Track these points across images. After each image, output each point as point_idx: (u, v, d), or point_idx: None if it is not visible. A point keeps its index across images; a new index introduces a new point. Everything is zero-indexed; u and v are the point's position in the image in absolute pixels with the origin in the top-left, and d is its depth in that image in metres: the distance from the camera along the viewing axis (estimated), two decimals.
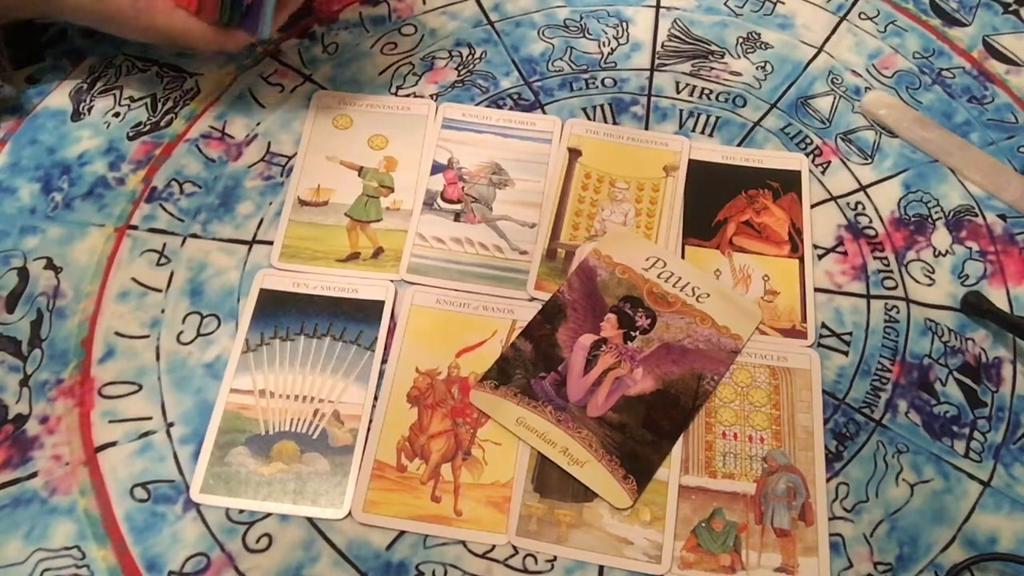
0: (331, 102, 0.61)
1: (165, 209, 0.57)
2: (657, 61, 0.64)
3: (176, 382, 0.51)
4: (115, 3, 0.54)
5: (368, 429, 0.49)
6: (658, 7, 0.66)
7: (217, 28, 0.55)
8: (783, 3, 0.67)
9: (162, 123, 0.60)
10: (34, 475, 0.48)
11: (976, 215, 0.58)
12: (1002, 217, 0.57)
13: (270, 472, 0.48)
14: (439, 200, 0.57)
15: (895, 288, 0.55)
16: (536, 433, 0.49)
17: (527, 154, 0.59)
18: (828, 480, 0.48)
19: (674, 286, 0.54)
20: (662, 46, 0.64)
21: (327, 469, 0.48)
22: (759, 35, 0.65)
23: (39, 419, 0.50)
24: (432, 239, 0.56)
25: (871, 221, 0.57)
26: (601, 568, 0.46)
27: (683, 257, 0.55)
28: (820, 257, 0.56)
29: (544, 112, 0.61)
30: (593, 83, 0.63)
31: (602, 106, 0.61)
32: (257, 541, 0.47)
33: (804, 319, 0.53)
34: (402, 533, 0.47)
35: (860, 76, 0.63)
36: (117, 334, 0.52)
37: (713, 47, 0.65)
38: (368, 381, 0.51)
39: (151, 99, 0.61)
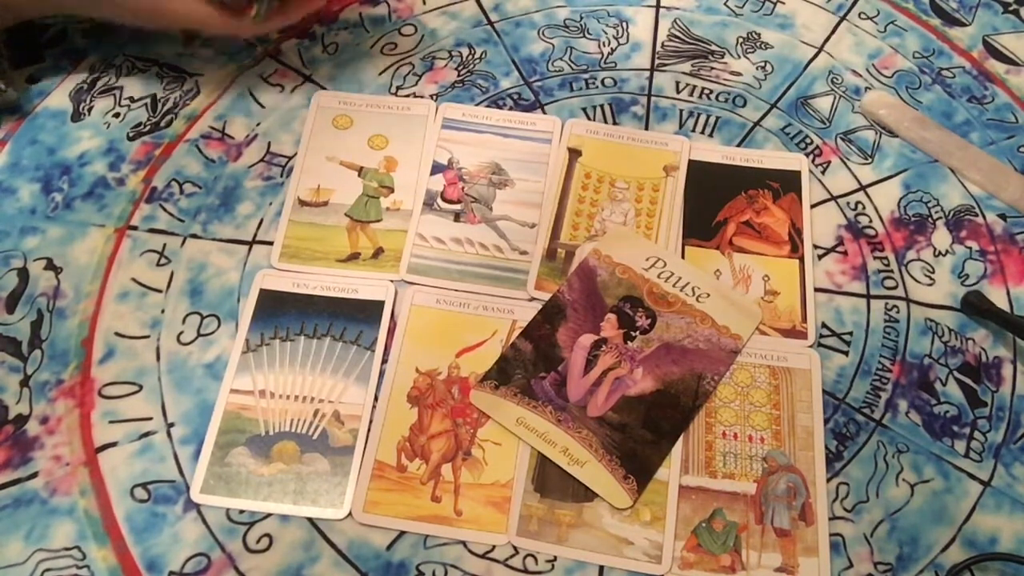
0: (331, 102, 0.61)
1: (165, 209, 0.57)
2: (657, 61, 0.64)
3: (176, 382, 0.51)
4: None
5: (368, 429, 0.49)
6: (658, 7, 0.66)
7: (226, 10, 0.55)
8: (783, 3, 0.67)
9: (162, 123, 0.60)
10: (34, 475, 0.48)
11: (976, 215, 0.58)
12: (1002, 217, 0.58)
13: (270, 472, 0.48)
14: (439, 200, 0.57)
15: (895, 288, 0.55)
16: (536, 433, 0.49)
17: (527, 154, 0.59)
18: (828, 480, 0.48)
19: (674, 286, 0.54)
20: (662, 46, 0.64)
21: (327, 469, 0.48)
22: (759, 35, 0.65)
23: (39, 419, 0.50)
24: (432, 239, 0.56)
25: (871, 221, 0.57)
26: (601, 568, 0.46)
27: (683, 257, 0.55)
28: (820, 257, 0.56)
29: (544, 112, 0.61)
30: (593, 83, 0.63)
31: (602, 106, 0.61)
32: (257, 541, 0.47)
33: (804, 319, 0.53)
34: (402, 533, 0.47)
35: (860, 76, 0.63)
36: (117, 334, 0.52)
37: (713, 47, 0.65)
38: (368, 381, 0.51)
39: (151, 99, 0.61)
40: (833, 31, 0.66)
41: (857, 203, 0.58)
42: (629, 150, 0.59)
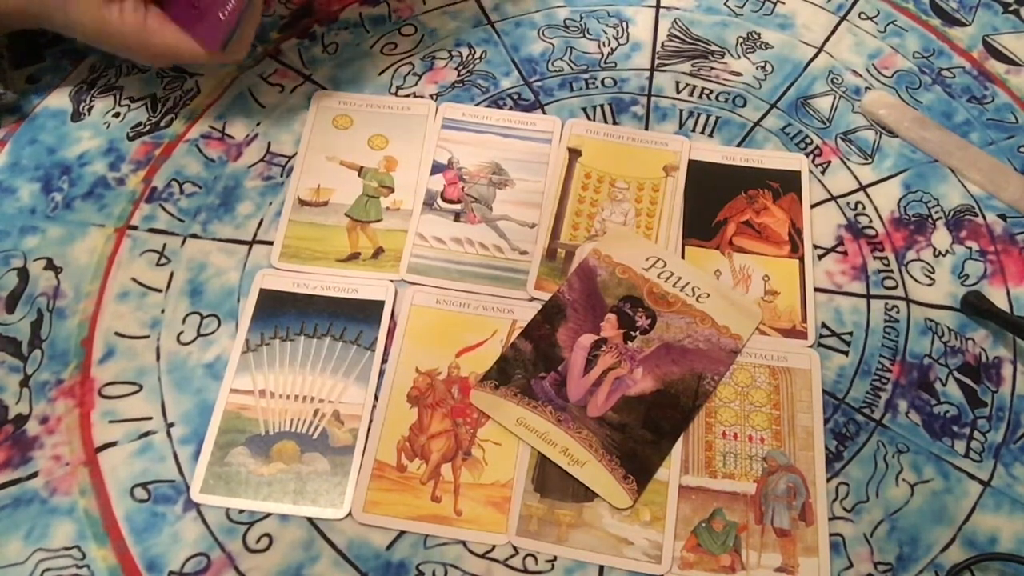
0: (331, 102, 0.61)
1: (165, 209, 0.57)
2: (657, 61, 0.64)
3: (176, 382, 0.51)
4: (120, 29, 0.54)
5: (368, 429, 0.49)
6: (658, 7, 0.66)
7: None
8: (783, 3, 0.67)
9: (162, 123, 0.60)
10: (34, 475, 0.48)
11: (976, 215, 0.58)
12: (1002, 217, 0.58)
13: (270, 472, 0.48)
14: (439, 200, 0.57)
15: (895, 288, 0.55)
16: (536, 433, 0.49)
17: (527, 154, 0.59)
18: (828, 480, 0.48)
19: (674, 286, 0.54)
20: (662, 46, 0.65)
21: (327, 469, 0.48)
22: (759, 35, 0.65)
23: (39, 419, 0.50)
24: (432, 239, 0.56)
25: (871, 221, 0.57)
26: (601, 568, 0.46)
27: (683, 257, 0.55)
28: (820, 257, 0.56)
29: (544, 112, 0.61)
30: (593, 83, 0.63)
31: (602, 106, 0.61)
32: (257, 541, 0.47)
33: (804, 319, 0.53)
34: (402, 533, 0.47)
35: (860, 76, 0.63)
36: (117, 334, 0.52)
37: (713, 47, 0.65)
38: (368, 381, 0.51)
39: (151, 99, 0.61)
40: (833, 31, 0.66)
41: (857, 203, 0.58)
42: (629, 150, 0.59)
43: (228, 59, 0.56)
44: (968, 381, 0.52)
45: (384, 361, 0.51)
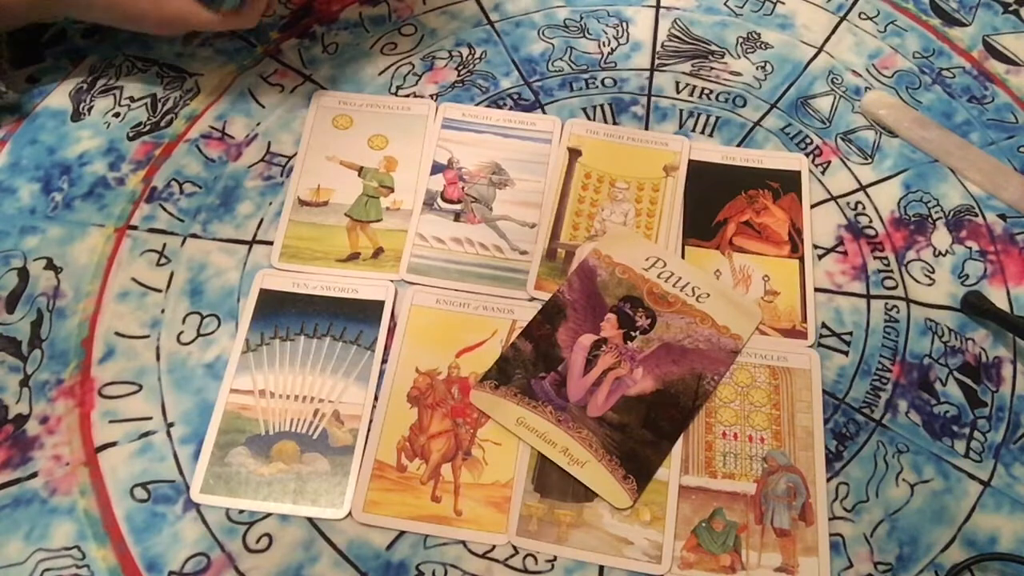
0: (331, 102, 0.61)
1: (165, 209, 0.57)
2: (657, 61, 0.64)
3: (176, 382, 0.51)
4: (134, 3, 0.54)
5: (368, 429, 0.49)
6: (658, 7, 0.66)
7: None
8: (783, 3, 0.67)
9: (162, 123, 0.60)
10: (34, 475, 0.48)
11: (976, 215, 0.58)
12: (1002, 217, 0.58)
13: (270, 472, 0.48)
14: (439, 200, 0.57)
15: (895, 288, 0.55)
16: (536, 433, 0.49)
17: (527, 154, 0.59)
18: (828, 480, 0.48)
19: (674, 286, 0.54)
20: (662, 46, 0.65)
21: (327, 469, 0.48)
22: (759, 35, 0.65)
23: (39, 419, 0.50)
24: (432, 239, 0.56)
25: (871, 221, 0.57)
26: (601, 568, 0.46)
27: (683, 257, 0.55)
28: (820, 257, 0.56)
29: (544, 112, 0.61)
30: (593, 83, 0.63)
31: (602, 106, 0.61)
32: (257, 541, 0.47)
33: (804, 319, 0.53)
34: (402, 533, 0.47)
35: (860, 76, 0.63)
36: (117, 334, 0.52)
37: (713, 47, 0.65)
38: (368, 381, 0.51)
39: (151, 99, 0.61)
40: (833, 31, 0.66)
41: (857, 203, 0.58)
42: (629, 150, 0.59)
43: (241, 23, 0.56)
44: (968, 381, 0.52)
45: (384, 361, 0.51)
